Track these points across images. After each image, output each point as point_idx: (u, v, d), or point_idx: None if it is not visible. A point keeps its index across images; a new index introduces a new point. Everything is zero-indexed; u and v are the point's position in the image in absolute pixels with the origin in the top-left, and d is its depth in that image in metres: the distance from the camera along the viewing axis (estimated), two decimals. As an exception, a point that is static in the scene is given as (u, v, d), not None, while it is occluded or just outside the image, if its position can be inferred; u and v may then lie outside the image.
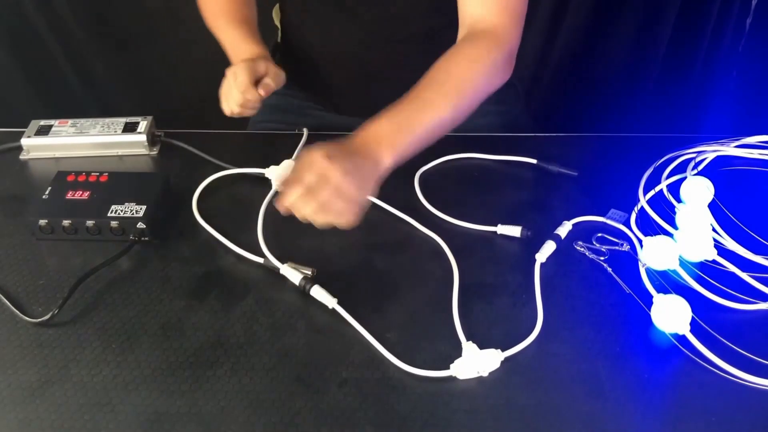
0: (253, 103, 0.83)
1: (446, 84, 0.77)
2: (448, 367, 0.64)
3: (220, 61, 1.46)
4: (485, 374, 0.64)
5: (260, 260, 0.74)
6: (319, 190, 0.65)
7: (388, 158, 0.70)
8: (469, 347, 0.65)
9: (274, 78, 0.84)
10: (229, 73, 0.83)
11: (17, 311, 0.70)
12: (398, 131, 0.72)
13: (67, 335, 0.68)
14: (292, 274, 0.72)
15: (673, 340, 0.66)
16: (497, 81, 0.83)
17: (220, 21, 0.93)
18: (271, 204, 0.81)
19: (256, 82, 0.83)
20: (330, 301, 0.69)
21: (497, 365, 0.64)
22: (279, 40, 1.11)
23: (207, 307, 0.71)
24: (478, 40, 0.82)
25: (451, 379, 0.64)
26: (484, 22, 0.83)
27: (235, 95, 0.82)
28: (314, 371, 0.64)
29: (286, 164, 0.83)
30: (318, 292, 0.70)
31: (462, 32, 0.85)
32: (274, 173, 0.83)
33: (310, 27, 1.00)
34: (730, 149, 0.87)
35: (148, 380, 0.64)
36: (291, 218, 0.81)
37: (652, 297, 0.69)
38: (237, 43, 0.89)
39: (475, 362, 0.63)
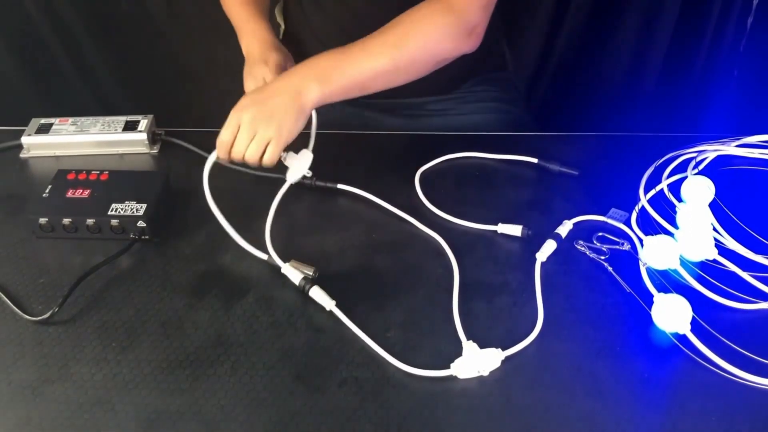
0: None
1: (389, 36, 0.81)
2: (448, 367, 0.63)
3: (221, 60, 1.46)
4: (486, 373, 0.63)
5: (264, 256, 0.74)
6: (244, 146, 0.74)
7: (314, 94, 0.75)
8: (469, 346, 0.65)
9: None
10: (253, 78, 0.87)
11: (17, 309, 0.70)
12: (333, 69, 0.77)
13: (67, 333, 0.68)
14: (293, 274, 0.72)
15: (673, 339, 0.66)
16: (449, 45, 0.84)
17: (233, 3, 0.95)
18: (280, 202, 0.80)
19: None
20: (328, 303, 0.69)
21: (498, 364, 0.64)
22: (281, 36, 1.11)
23: (207, 306, 0.71)
24: (432, 3, 0.83)
25: (452, 378, 0.64)
26: None
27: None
28: (314, 370, 0.64)
29: (304, 153, 0.79)
30: (317, 294, 0.70)
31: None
32: (291, 161, 0.79)
33: (312, 20, 1.00)
34: (730, 149, 0.87)
35: (148, 379, 0.64)
36: (293, 217, 0.82)
37: (652, 296, 0.69)
38: (245, 20, 0.91)
39: (476, 361, 0.63)
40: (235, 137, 0.75)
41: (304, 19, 1.03)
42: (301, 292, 0.71)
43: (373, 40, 0.80)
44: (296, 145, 0.78)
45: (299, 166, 0.78)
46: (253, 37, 0.91)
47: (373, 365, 0.65)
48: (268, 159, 0.75)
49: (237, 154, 0.75)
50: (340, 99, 0.79)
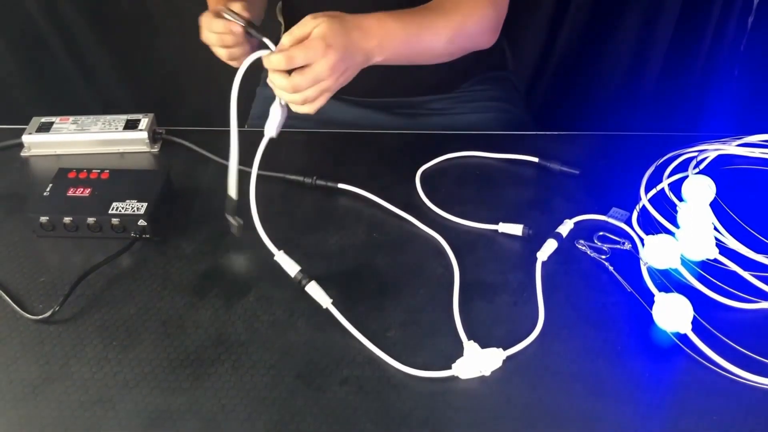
0: (232, 38, 0.76)
1: (452, 15, 0.82)
2: (449, 367, 0.63)
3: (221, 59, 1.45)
4: (487, 373, 0.63)
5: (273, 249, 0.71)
6: (305, 88, 0.69)
7: (379, 57, 0.76)
8: (470, 346, 0.65)
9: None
10: (204, 20, 0.78)
11: (18, 308, 0.70)
12: (401, 40, 0.77)
13: (67, 332, 0.68)
14: (290, 266, 0.70)
15: (674, 339, 0.66)
16: (485, 39, 0.87)
17: None
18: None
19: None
20: (325, 301, 0.69)
21: (499, 364, 0.64)
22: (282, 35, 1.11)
23: (208, 305, 0.71)
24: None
25: (453, 378, 0.63)
26: None
27: (210, 37, 0.78)
28: (315, 369, 0.64)
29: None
30: (314, 290, 0.69)
31: None
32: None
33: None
34: (731, 148, 0.87)
35: (149, 378, 0.64)
36: (293, 217, 0.82)
37: (653, 296, 0.69)
38: None
39: (477, 361, 0.63)
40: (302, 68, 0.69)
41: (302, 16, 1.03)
42: (298, 285, 0.70)
43: (439, 20, 0.81)
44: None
45: (277, 118, 0.73)
46: None
47: (374, 364, 0.65)
48: (314, 109, 0.72)
49: (295, 86, 0.69)
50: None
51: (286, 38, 0.70)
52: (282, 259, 0.70)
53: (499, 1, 0.87)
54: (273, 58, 0.68)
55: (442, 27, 0.82)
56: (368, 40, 0.74)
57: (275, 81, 0.70)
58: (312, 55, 0.68)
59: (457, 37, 0.84)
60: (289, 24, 1.07)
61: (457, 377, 0.63)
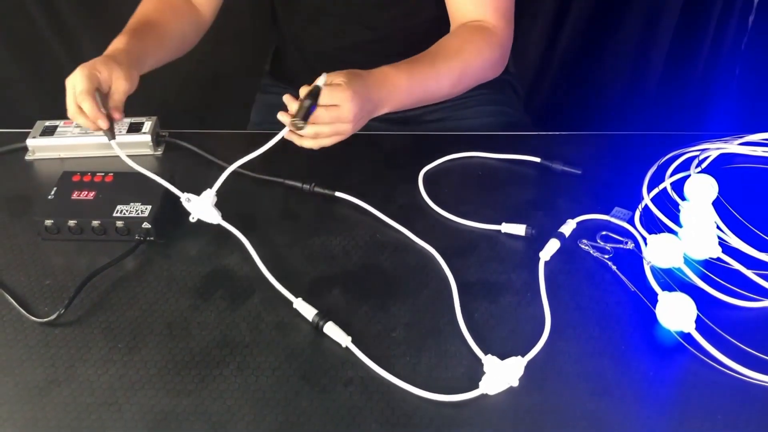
0: (95, 118, 0.77)
1: (455, 61, 0.84)
2: (476, 386, 0.62)
3: (224, 62, 1.46)
4: (515, 383, 0.62)
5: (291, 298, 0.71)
6: (326, 129, 0.73)
7: (386, 109, 0.79)
8: (490, 361, 0.63)
9: (117, 88, 0.79)
10: (68, 83, 0.78)
11: (24, 311, 0.70)
12: (407, 91, 0.80)
13: (73, 335, 0.68)
14: (306, 310, 0.69)
15: (678, 338, 0.66)
16: (491, 74, 0.90)
17: (128, 23, 0.90)
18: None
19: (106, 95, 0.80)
20: (344, 340, 0.66)
21: (521, 372, 0.63)
22: (271, 56, 1.12)
23: (213, 307, 0.71)
24: (482, 33, 0.87)
25: (470, 387, 0.62)
26: (481, 23, 0.87)
27: (74, 113, 0.78)
28: (320, 370, 0.65)
29: (207, 194, 0.75)
30: (332, 330, 0.67)
31: (455, 24, 0.89)
32: (192, 206, 0.75)
33: (302, 29, 1.02)
34: (733, 147, 0.87)
35: (155, 380, 0.64)
36: (296, 220, 0.82)
37: (657, 295, 0.69)
38: (122, 33, 0.86)
39: (502, 375, 0.62)
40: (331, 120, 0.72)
41: (294, 46, 1.05)
42: (315, 327, 0.68)
43: (442, 66, 0.83)
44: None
45: (201, 209, 0.74)
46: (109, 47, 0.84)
47: (376, 366, 0.65)
48: (318, 145, 0.75)
49: (316, 118, 0.71)
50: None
51: (304, 88, 0.72)
52: (300, 306, 0.69)
53: (504, 40, 0.89)
54: (308, 130, 0.72)
55: (445, 74, 0.84)
56: (379, 91, 0.77)
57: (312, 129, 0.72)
58: (340, 98, 0.72)
59: (461, 80, 0.86)
60: (282, 32, 1.08)
61: (486, 395, 0.62)
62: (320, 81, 0.73)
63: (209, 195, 0.74)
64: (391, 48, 0.93)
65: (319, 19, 0.99)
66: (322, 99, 0.71)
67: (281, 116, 0.72)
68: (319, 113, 0.71)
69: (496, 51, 0.88)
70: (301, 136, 0.73)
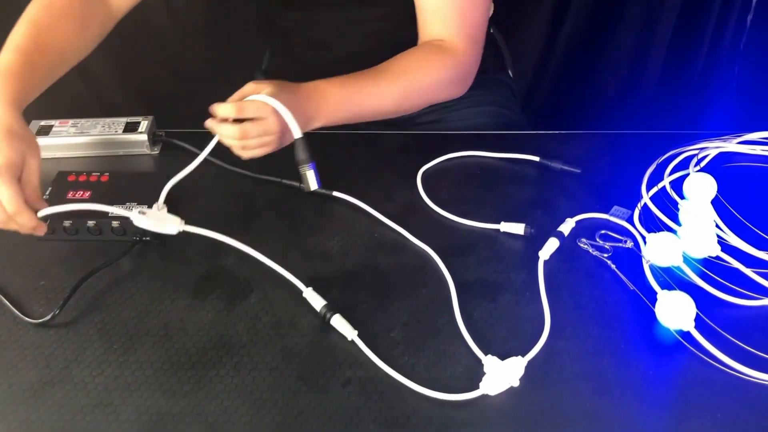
0: (33, 228, 0.68)
1: (399, 79, 0.83)
2: (476, 386, 0.62)
3: (220, 61, 1.46)
4: (516, 384, 0.62)
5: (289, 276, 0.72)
6: (252, 142, 0.73)
7: (319, 123, 0.78)
8: (490, 361, 0.63)
9: (32, 171, 0.68)
10: None
11: (18, 312, 0.69)
12: (341, 105, 0.79)
13: (68, 336, 0.68)
14: (315, 300, 0.69)
15: (677, 336, 0.66)
16: (445, 95, 0.89)
17: (13, 37, 0.78)
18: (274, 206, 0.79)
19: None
20: (350, 333, 0.66)
21: (522, 372, 0.63)
22: (265, 65, 1.12)
23: (209, 307, 0.70)
24: (439, 52, 0.85)
25: (470, 386, 0.62)
26: (442, 42, 0.85)
27: (4, 223, 0.67)
28: (317, 370, 0.64)
29: (154, 212, 0.71)
30: (339, 323, 0.67)
31: (422, 40, 0.87)
32: (142, 221, 0.69)
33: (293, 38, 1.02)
34: (732, 145, 0.87)
35: (150, 380, 0.63)
36: (293, 218, 0.81)
37: (656, 293, 0.69)
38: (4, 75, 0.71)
39: (503, 375, 0.62)
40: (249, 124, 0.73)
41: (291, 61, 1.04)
42: (322, 319, 0.68)
43: (384, 82, 0.82)
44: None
45: (150, 221, 0.70)
46: None
47: (377, 365, 0.64)
48: (251, 156, 0.76)
49: (245, 135, 0.73)
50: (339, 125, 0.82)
51: (232, 98, 0.74)
52: (310, 295, 0.70)
53: (464, 61, 0.86)
54: (223, 107, 0.73)
55: (388, 92, 0.82)
56: (308, 104, 0.77)
57: (222, 130, 0.73)
58: (263, 113, 0.72)
59: (407, 98, 0.84)
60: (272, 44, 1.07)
61: (487, 395, 0.62)
62: (247, 88, 0.74)
63: (160, 206, 0.73)
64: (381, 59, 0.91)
65: (309, 34, 0.98)
66: (248, 112, 0.72)
67: (209, 124, 0.74)
68: (246, 127, 0.72)
69: (450, 71, 0.86)
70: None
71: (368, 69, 0.82)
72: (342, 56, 0.98)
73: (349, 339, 0.66)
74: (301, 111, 0.74)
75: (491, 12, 1.11)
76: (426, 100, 0.88)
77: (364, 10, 0.93)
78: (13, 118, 0.68)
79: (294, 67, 1.05)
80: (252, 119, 0.72)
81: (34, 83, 0.75)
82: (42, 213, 0.68)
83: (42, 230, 0.69)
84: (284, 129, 0.74)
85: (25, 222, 0.66)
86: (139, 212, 0.69)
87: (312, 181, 0.75)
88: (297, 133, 0.73)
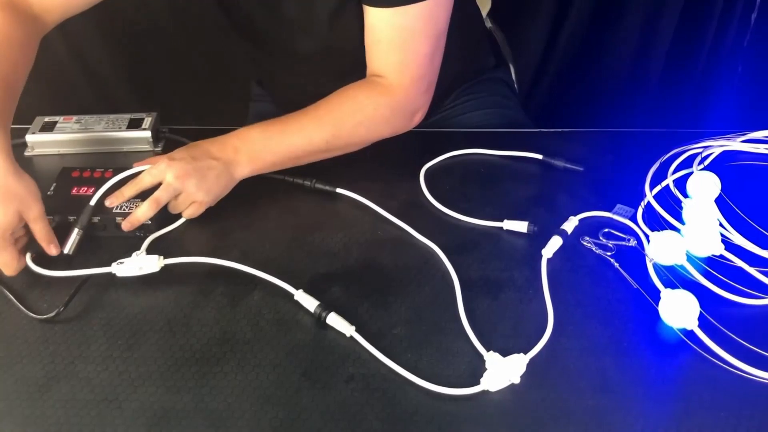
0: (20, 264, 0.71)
1: (326, 119, 0.81)
2: (478, 382, 0.62)
3: (224, 57, 1.45)
4: (517, 381, 0.62)
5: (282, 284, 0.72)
6: (180, 204, 0.76)
7: (244, 169, 0.78)
8: (492, 357, 0.63)
9: (37, 223, 0.71)
10: None
11: (23, 308, 0.69)
12: (264, 148, 0.79)
13: (73, 332, 0.68)
14: (308, 302, 0.69)
15: (680, 335, 0.66)
16: (386, 131, 0.85)
17: None
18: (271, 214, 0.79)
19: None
20: (348, 330, 0.67)
21: (523, 369, 0.63)
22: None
23: (213, 303, 0.70)
24: (371, 91, 0.82)
25: (472, 383, 0.62)
26: (383, 79, 0.82)
27: None
28: (321, 367, 0.64)
29: (133, 260, 0.72)
30: (335, 321, 0.67)
31: (368, 74, 0.84)
32: (122, 270, 0.71)
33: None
34: (736, 144, 0.87)
35: (155, 376, 0.64)
36: (296, 215, 0.82)
37: (659, 292, 0.69)
38: None
39: (504, 372, 0.62)
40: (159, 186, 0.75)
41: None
42: (317, 319, 0.68)
43: (311, 121, 0.80)
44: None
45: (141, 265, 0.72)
46: None
47: (380, 362, 0.64)
48: (189, 215, 0.78)
49: (157, 202, 0.75)
50: (272, 171, 0.82)
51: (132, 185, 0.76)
52: (301, 297, 0.69)
53: (401, 98, 0.82)
54: (125, 190, 0.76)
55: (315, 130, 0.80)
56: (225, 150, 0.77)
57: (138, 213, 0.75)
58: (157, 173, 0.75)
59: (340, 136, 0.81)
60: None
61: (487, 391, 0.62)
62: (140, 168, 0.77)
63: (140, 253, 0.73)
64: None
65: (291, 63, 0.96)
66: (143, 179, 0.75)
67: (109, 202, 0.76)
68: (156, 193, 0.75)
69: (382, 109, 0.82)
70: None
71: (296, 111, 0.81)
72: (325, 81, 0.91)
73: (348, 335, 0.66)
74: (213, 159, 0.76)
75: (487, 8, 1.10)
76: (362, 139, 0.84)
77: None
78: (6, 171, 0.70)
79: (286, 81, 1.03)
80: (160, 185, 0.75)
81: (10, 116, 0.77)
82: (67, 249, 0.74)
83: (22, 265, 0.72)
84: (190, 172, 0.75)
85: (5, 263, 0.71)
86: (118, 263, 0.71)
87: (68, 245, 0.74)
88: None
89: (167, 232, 0.78)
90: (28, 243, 0.73)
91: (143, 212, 0.75)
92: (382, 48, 0.81)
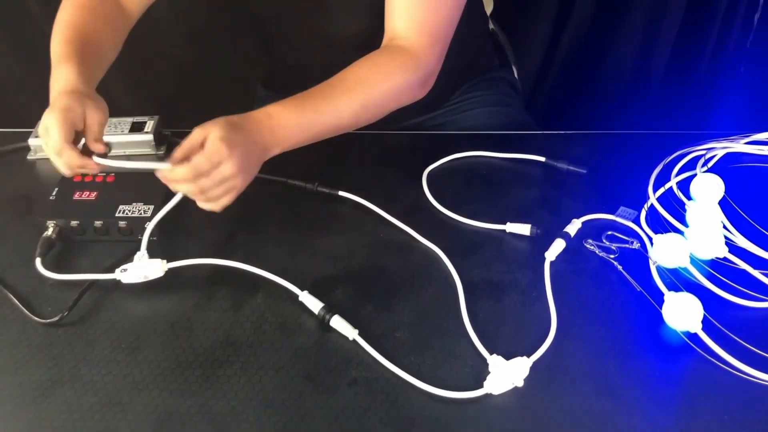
0: (80, 166, 0.69)
1: (355, 91, 0.78)
2: (481, 386, 0.62)
3: (226, 60, 1.46)
4: (520, 384, 0.62)
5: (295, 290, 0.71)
6: (212, 189, 0.68)
7: (277, 150, 0.74)
8: (495, 360, 0.63)
9: (94, 121, 0.72)
10: (41, 128, 0.69)
11: (27, 312, 0.70)
12: (298, 128, 0.74)
13: (76, 335, 0.68)
14: (312, 303, 0.69)
15: (684, 338, 0.66)
16: (406, 99, 0.83)
17: (58, 35, 0.79)
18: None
19: (78, 135, 0.71)
20: (351, 333, 0.67)
21: (527, 372, 0.63)
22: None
23: (216, 306, 0.71)
24: (396, 55, 0.81)
25: (475, 386, 0.62)
26: (403, 40, 0.81)
27: (54, 159, 0.69)
28: (324, 370, 0.64)
29: (136, 264, 0.72)
30: (339, 323, 0.67)
31: (385, 41, 0.83)
32: (127, 277, 0.71)
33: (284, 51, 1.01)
34: (739, 146, 0.87)
35: (158, 380, 0.64)
36: (299, 218, 0.82)
37: (663, 295, 0.68)
38: (58, 60, 0.75)
39: (507, 375, 0.62)
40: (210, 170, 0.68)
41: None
42: (321, 321, 0.68)
43: (341, 97, 0.77)
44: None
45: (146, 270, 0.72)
46: (56, 79, 0.74)
47: (383, 365, 0.64)
48: (220, 207, 0.71)
49: (203, 190, 0.68)
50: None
51: (179, 152, 0.67)
52: (306, 298, 0.69)
53: (425, 61, 0.81)
54: (178, 172, 0.67)
55: (345, 106, 0.77)
56: (262, 133, 0.71)
57: (180, 188, 0.69)
58: (216, 159, 0.66)
59: (365, 110, 0.79)
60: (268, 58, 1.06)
61: (491, 394, 0.62)
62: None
63: (142, 256, 0.72)
64: None
65: (306, 47, 0.96)
66: (202, 165, 0.66)
67: (161, 176, 0.69)
68: (202, 183, 0.67)
69: (409, 75, 0.80)
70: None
71: (323, 83, 0.78)
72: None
73: (351, 339, 0.66)
74: (254, 143, 0.70)
75: (490, 9, 1.10)
76: (386, 109, 0.82)
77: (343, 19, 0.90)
78: (78, 81, 0.72)
79: (291, 78, 1.03)
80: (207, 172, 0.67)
81: (93, 67, 0.78)
82: (97, 159, 0.71)
83: (93, 169, 0.70)
84: (244, 164, 0.68)
85: (67, 161, 0.69)
86: (122, 270, 0.71)
87: None
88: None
89: (167, 232, 0.78)
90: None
91: (186, 189, 0.68)
92: (406, 6, 0.80)
